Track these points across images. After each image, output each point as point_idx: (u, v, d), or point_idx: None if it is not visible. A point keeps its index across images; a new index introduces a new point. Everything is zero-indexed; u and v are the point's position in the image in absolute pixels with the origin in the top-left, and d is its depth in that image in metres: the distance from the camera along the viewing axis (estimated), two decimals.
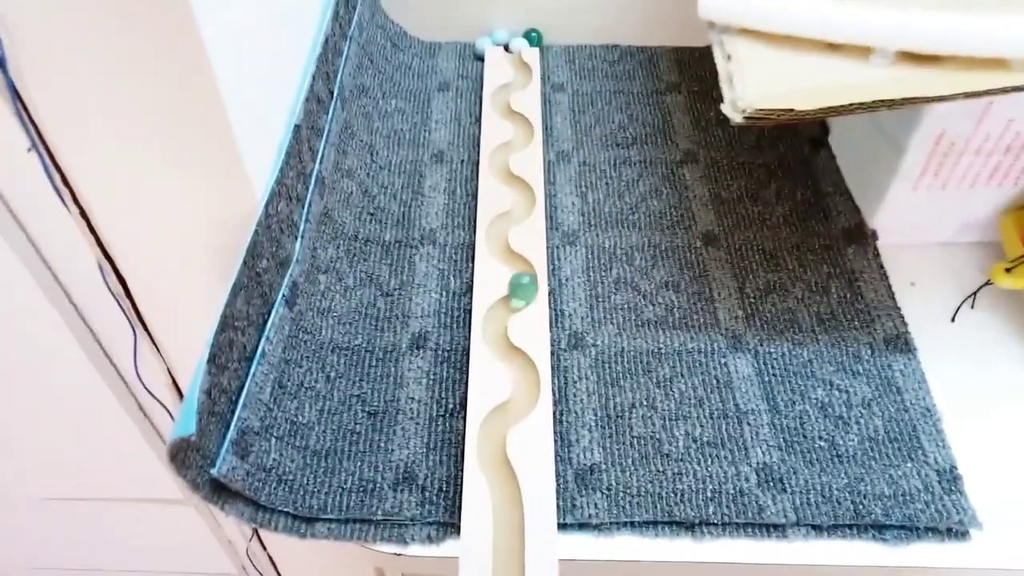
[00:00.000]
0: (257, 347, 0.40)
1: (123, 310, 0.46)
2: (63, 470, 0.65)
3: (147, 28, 0.33)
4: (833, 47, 0.41)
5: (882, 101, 0.38)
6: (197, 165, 0.39)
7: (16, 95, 0.34)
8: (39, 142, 0.37)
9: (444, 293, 0.50)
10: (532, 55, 0.66)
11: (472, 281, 0.49)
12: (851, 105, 0.39)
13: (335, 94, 0.55)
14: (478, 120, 0.62)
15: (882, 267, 0.51)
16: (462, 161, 0.59)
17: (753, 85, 0.40)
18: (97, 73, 0.35)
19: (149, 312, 0.48)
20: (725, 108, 0.41)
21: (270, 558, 0.79)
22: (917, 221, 0.52)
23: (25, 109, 0.36)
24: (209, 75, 0.35)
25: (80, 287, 0.47)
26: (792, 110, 0.39)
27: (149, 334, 0.49)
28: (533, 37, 0.69)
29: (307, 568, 0.82)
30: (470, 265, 0.51)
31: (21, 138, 0.37)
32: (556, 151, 0.60)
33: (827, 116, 0.40)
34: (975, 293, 0.50)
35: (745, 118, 0.40)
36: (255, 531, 0.73)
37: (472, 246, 0.52)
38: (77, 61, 0.34)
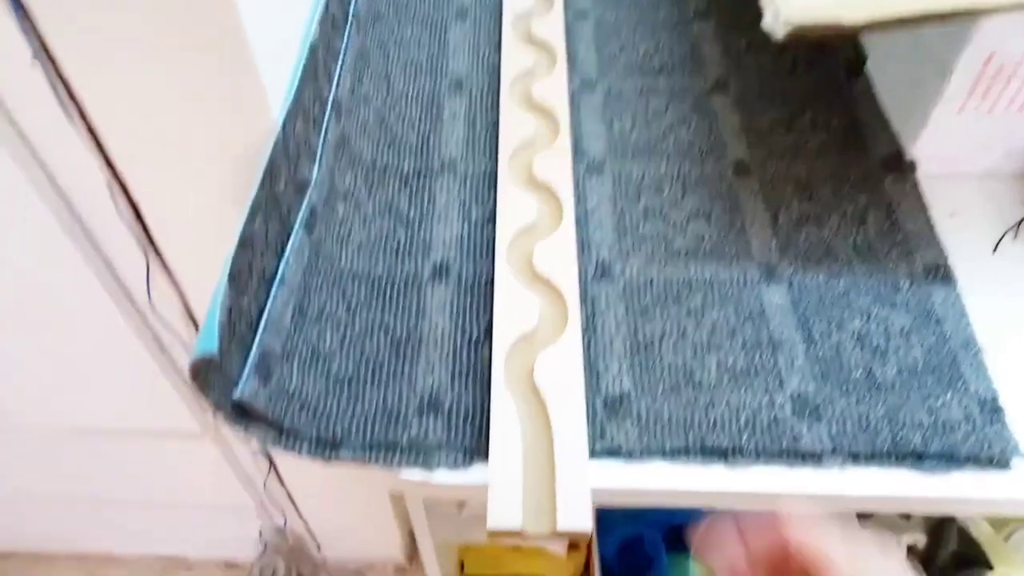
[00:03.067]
0: (276, 271, 0.39)
1: (134, 235, 0.45)
2: (80, 401, 0.65)
3: None
4: None
5: (933, 14, 0.36)
6: (212, 78, 0.37)
7: (18, 3, 0.32)
8: (43, 53, 0.35)
9: (466, 223, 0.49)
10: None
11: (494, 211, 0.48)
12: (901, 18, 0.36)
13: (350, 18, 0.53)
14: (497, 48, 0.60)
15: (921, 197, 0.49)
16: (481, 90, 0.57)
17: None
18: None
19: (162, 238, 0.46)
20: (766, 23, 0.39)
21: (288, 493, 0.79)
22: (959, 148, 0.49)
23: (27, 16, 0.34)
24: None
25: (90, 210, 0.45)
26: (839, 24, 0.36)
27: (162, 260, 0.48)
28: None
29: (323, 504, 0.83)
30: (491, 195, 0.50)
31: (24, 48, 0.35)
32: (580, 79, 0.58)
33: (875, 31, 0.37)
34: (1019, 224, 0.48)
35: (788, 33, 0.38)
36: (272, 466, 0.73)
37: (493, 176, 0.50)
38: None
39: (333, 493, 0.77)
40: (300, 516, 0.84)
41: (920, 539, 0.82)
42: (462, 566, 0.91)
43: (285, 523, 0.85)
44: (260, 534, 0.88)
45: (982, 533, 0.80)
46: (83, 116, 0.38)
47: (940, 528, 0.81)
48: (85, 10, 0.34)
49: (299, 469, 0.74)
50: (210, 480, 0.75)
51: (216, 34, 0.34)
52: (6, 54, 0.35)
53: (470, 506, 0.92)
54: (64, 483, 0.79)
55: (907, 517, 0.85)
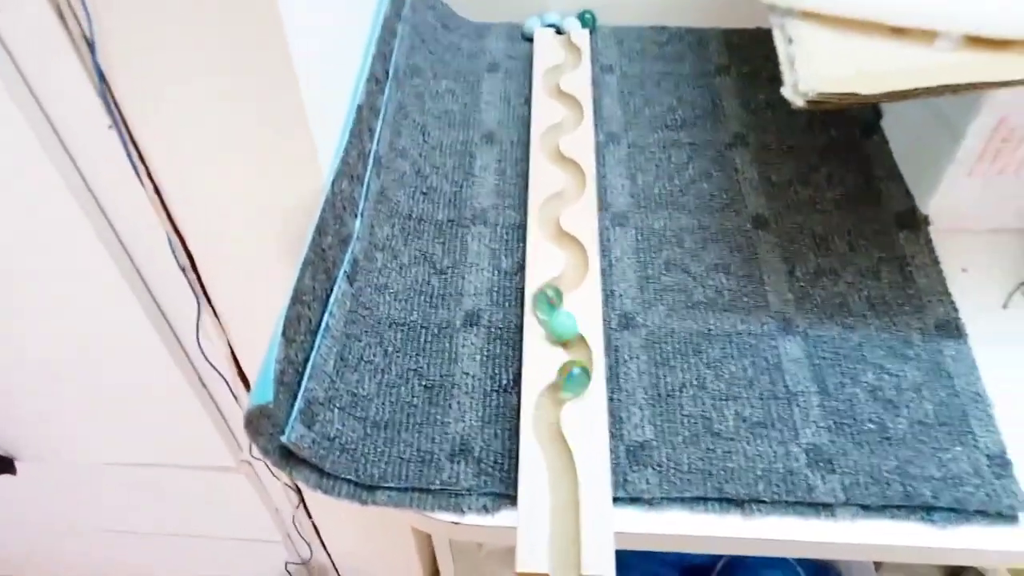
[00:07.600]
0: (321, 321, 0.42)
1: (189, 282, 0.48)
2: (120, 436, 0.68)
3: (226, 11, 0.34)
4: (897, 31, 0.41)
5: (947, 86, 0.38)
6: (269, 141, 0.40)
7: (102, 76, 0.36)
8: (120, 120, 0.38)
9: (496, 272, 0.51)
10: (582, 36, 0.66)
11: (523, 260, 0.50)
12: (915, 90, 0.39)
13: (390, 75, 0.56)
14: (527, 101, 0.63)
15: (934, 252, 0.50)
16: (512, 142, 0.60)
17: (816, 68, 0.40)
18: (177, 56, 0.36)
19: (212, 285, 0.50)
20: (786, 91, 0.41)
21: (314, 526, 0.81)
22: (971, 207, 0.51)
23: (109, 89, 0.37)
24: (285, 55, 0.36)
25: (149, 258, 0.48)
26: (856, 94, 0.39)
27: (212, 307, 0.51)
28: (587, 19, 0.68)
29: (348, 538, 0.85)
30: (521, 245, 0.52)
31: (103, 116, 0.38)
32: (605, 132, 0.60)
33: (890, 101, 0.40)
34: None
35: (807, 102, 0.40)
36: (301, 500, 0.75)
37: (523, 226, 0.53)
38: (159, 44, 0.35)
39: (358, 528, 0.79)
40: (325, 549, 0.86)
41: None
42: None
43: (311, 555, 0.87)
44: (286, 566, 0.90)
45: None
46: (150, 176, 0.41)
47: (958, 574, 0.81)
48: (159, 82, 0.37)
49: (327, 504, 0.76)
50: (240, 513, 0.77)
51: (279, 107, 0.37)
52: (86, 121, 0.39)
53: (489, 544, 0.93)
54: (99, 514, 0.82)
55: None
